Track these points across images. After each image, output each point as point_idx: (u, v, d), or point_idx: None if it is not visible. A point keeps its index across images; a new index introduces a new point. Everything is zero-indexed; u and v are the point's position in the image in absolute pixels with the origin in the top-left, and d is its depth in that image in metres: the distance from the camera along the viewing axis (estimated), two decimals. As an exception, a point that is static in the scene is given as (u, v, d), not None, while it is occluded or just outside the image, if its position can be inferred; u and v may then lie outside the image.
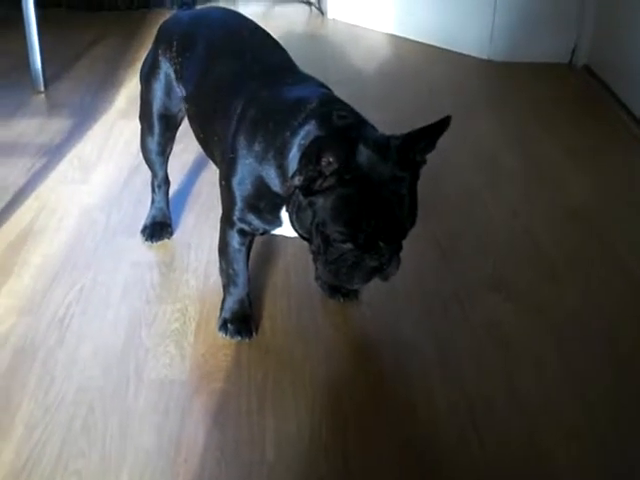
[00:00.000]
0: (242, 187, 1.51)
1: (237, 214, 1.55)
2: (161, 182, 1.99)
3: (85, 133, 2.58)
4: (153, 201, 2.02)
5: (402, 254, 1.44)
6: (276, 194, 1.48)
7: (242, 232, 1.58)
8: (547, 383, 1.59)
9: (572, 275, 1.93)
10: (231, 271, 1.64)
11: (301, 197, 1.40)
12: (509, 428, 1.48)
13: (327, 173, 1.35)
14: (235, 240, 1.60)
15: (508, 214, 2.20)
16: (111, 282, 1.85)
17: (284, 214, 1.50)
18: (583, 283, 1.90)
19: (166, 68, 1.79)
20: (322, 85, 1.59)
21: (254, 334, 1.67)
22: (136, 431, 1.45)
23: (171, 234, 2.02)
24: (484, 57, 3.37)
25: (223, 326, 1.66)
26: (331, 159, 1.33)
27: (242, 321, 1.66)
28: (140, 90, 1.88)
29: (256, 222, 1.55)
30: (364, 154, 1.35)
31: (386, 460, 1.40)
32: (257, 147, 1.47)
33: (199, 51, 1.71)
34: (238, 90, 1.57)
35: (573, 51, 3.29)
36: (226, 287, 1.67)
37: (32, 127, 2.63)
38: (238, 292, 1.66)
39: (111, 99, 2.84)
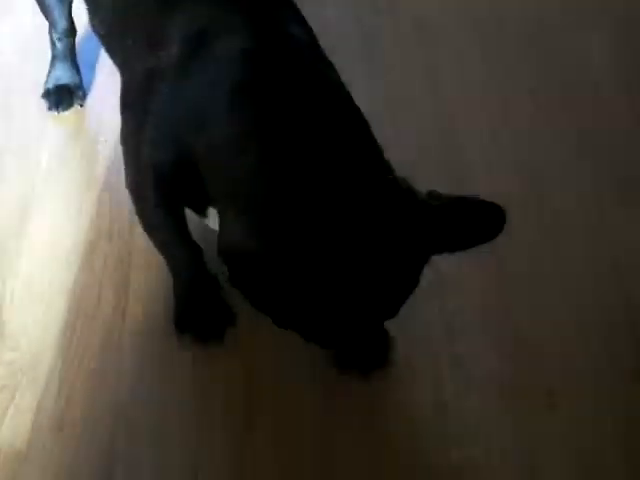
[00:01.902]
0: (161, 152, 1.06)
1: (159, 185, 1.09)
2: (63, 34, 1.53)
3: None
4: (54, 58, 1.56)
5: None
6: None
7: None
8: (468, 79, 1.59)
9: None
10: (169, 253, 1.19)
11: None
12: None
13: None
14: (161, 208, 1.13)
15: None
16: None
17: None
18: None
19: None
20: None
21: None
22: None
23: (83, 99, 1.58)
24: None
25: (182, 329, 1.18)
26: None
27: (208, 317, 1.20)
28: None
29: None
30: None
31: None
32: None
33: None
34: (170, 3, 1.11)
35: None
36: (172, 273, 1.21)
37: None
38: (190, 276, 1.20)
39: None
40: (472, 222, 0.92)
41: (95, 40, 1.46)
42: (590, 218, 1.35)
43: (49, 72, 1.57)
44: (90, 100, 1.56)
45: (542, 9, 1.75)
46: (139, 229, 1.21)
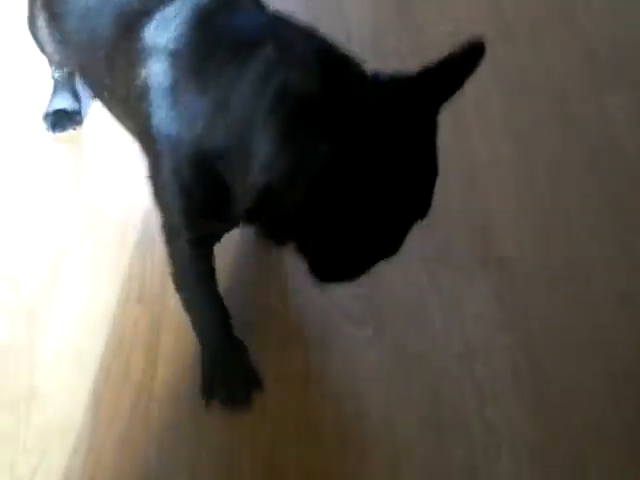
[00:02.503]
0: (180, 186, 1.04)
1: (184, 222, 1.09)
2: (58, 65, 1.55)
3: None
4: (55, 88, 1.61)
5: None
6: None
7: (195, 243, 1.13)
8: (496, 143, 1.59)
9: (527, 36, 1.88)
10: (199, 308, 1.19)
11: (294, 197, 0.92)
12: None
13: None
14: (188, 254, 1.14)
15: None
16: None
17: None
18: (538, 45, 1.85)
19: None
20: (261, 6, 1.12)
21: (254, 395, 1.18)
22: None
23: (79, 123, 1.62)
24: None
25: (209, 394, 1.18)
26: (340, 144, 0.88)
27: (235, 382, 1.18)
28: None
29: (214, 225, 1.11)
30: (377, 126, 0.91)
31: None
32: (199, 128, 0.99)
33: None
34: (128, 26, 1.09)
35: None
36: (200, 337, 1.20)
37: None
38: (219, 339, 1.20)
39: None
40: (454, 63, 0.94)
41: None
42: (622, 284, 1.34)
43: (50, 99, 1.62)
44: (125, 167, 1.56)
45: (565, 75, 1.77)
46: (171, 292, 1.23)
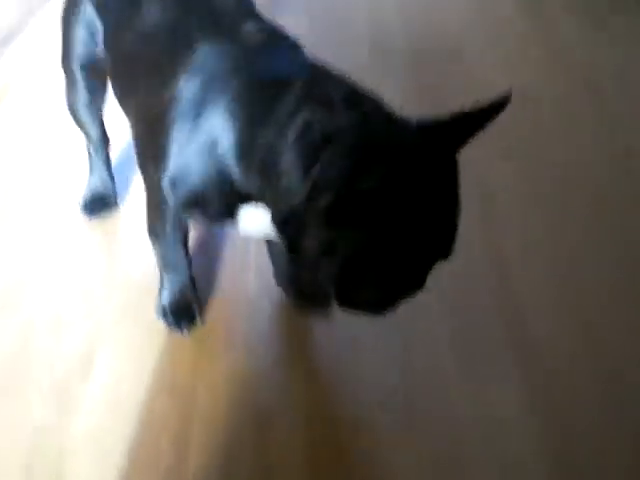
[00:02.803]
0: (178, 191, 1.19)
1: (172, 210, 1.25)
2: (97, 144, 1.62)
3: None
4: (90, 169, 1.67)
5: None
6: (235, 194, 1.15)
7: (178, 221, 1.29)
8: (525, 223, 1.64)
9: (560, 129, 1.94)
10: (166, 255, 1.36)
11: (319, 220, 1.02)
12: (480, 270, 1.52)
13: (364, 192, 0.98)
14: (168, 224, 1.29)
15: (505, 71, 2.20)
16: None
17: (245, 212, 1.18)
18: (572, 139, 1.91)
19: (88, 8, 1.44)
20: (296, 46, 1.22)
21: (198, 319, 1.41)
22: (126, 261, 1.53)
23: (115, 206, 1.69)
24: None
25: (163, 314, 1.41)
26: (370, 174, 0.97)
27: (183, 310, 1.40)
28: (61, 32, 1.54)
29: (200, 218, 1.25)
30: (406, 164, 1.00)
31: None
32: (219, 150, 1.12)
33: None
34: (175, 49, 1.19)
35: None
36: (162, 271, 1.39)
37: None
38: (178, 279, 1.39)
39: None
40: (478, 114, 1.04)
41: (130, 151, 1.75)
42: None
43: (87, 182, 1.68)
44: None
45: (601, 186, 1.80)
46: (202, 383, 1.27)
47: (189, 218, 1.28)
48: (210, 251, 1.61)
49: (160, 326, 1.42)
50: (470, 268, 1.54)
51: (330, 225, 1.02)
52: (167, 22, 1.26)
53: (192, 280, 1.41)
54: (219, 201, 1.17)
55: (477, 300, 1.48)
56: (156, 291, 1.43)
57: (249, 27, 1.21)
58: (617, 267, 1.57)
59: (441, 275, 1.16)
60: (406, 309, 1.16)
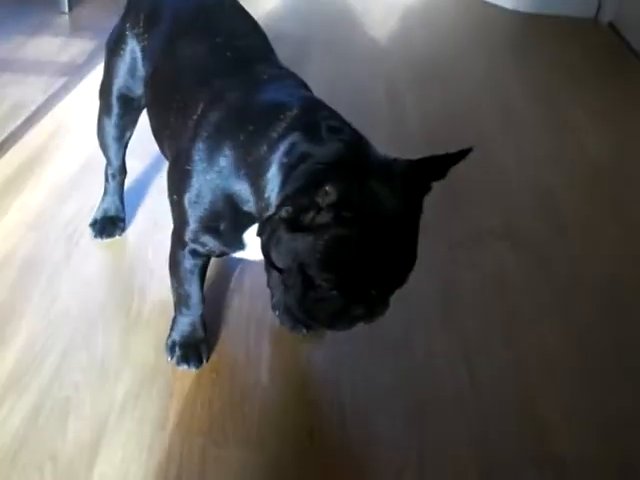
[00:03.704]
0: (198, 206, 1.28)
1: (190, 235, 1.33)
2: (116, 171, 1.78)
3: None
4: (105, 192, 1.82)
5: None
6: (242, 214, 1.26)
7: (195, 253, 1.37)
8: (546, 332, 1.62)
9: (580, 230, 1.94)
10: (182, 292, 1.44)
11: (283, 229, 1.14)
12: (504, 375, 1.51)
13: (322, 205, 1.10)
14: (187, 261, 1.39)
15: (521, 164, 2.24)
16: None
17: (248, 236, 1.28)
18: (590, 239, 1.91)
19: (133, 45, 1.57)
20: (302, 84, 1.37)
21: (204, 361, 1.48)
22: (135, 349, 1.50)
23: (123, 230, 1.82)
24: (510, 7, 3.51)
25: (171, 349, 1.48)
26: (329, 189, 1.08)
27: (191, 347, 1.48)
28: (104, 62, 1.66)
29: (213, 244, 1.33)
30: (367, 186, 1.11)
31: (383, 391, 1.44)
32: (223, 162, 1.24)
33: (165, 27, 1.49)
34: (202, 83, 1.35)
35: (598, 7, 3.43)
36: (177, 307, 1.48)
37: (54, 47, 2.71)
38: (190, 314, 1.47)
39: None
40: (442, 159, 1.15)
41: (140, 183, 1.97)
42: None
43: (100, 203, 1.82)
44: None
45: (617, 265, 1.81)
46: (211, 474, 1.23)
47: (204, 248, 1.34)
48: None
49: (162, 424, 1.36)
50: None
51: (291, 232, 1.14)
52: (194, 63, 1.40)
53: (203, 318, 1.49)
54: (229, 222, 1.28)
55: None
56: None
57: (261, 67, 1.36)
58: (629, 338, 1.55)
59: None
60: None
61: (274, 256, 1.19)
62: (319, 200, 1.09)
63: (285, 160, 1.16)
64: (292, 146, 1.17)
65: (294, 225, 1.13)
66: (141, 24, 1.55)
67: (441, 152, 1.13)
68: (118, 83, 1.61)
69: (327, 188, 1.08)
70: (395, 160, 1.15)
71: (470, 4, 3.54)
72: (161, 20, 1.50)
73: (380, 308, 1.21)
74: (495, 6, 3.52)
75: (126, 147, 1.74)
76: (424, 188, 1.17)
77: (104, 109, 1.68)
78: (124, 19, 1.61)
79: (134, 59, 1.58)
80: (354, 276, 1.13)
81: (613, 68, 2.98)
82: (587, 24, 3.39)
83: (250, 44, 1.43)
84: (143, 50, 1.55)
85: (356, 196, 1.09)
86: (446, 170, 1.14)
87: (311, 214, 1.11)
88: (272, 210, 1.16)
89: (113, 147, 1.73)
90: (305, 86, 1.38)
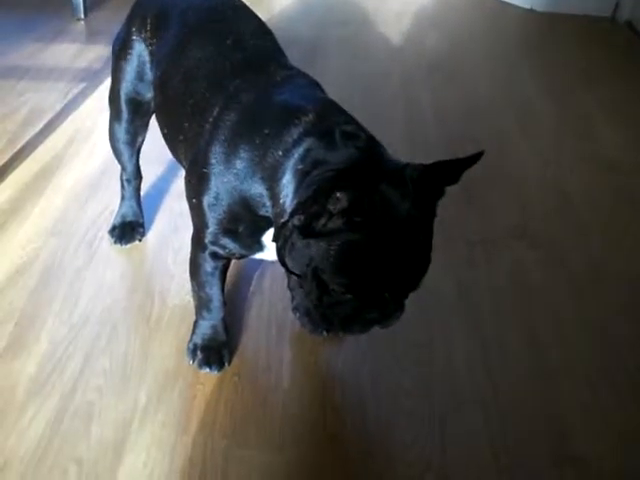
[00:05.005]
0: (216, 208, 1.29)
1: (209, 237, 1.33)
2: (131, 176, 1.79)
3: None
4: (123, 197, 1.83)
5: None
6: (259, 217, 1.27)
7: (215, 256, 1.38)
8: (565, 332, 1.62)
9: (599, 228, 1.93)
10: (203, 295, 1.45)
11: (296, 236, 1.16)
12: (524, 375, 1.51)
13: (334, 212, 1.11)
14: (207, 264, 1.39)
15: (539, 162, 2.23)
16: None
17: (267, 238, 1.29)
18: (609, 238, 1.90)
19: (140, 49, 1.57)
20: (315, 84, 1.37)
21: (226, 364, 1.49)
22: (157, 353, 1.52)
23: (142, 235, 1.84)
24: (527, 6, 3.50)
25: (193, 352, 1.50)
26: (340, 196, 1.10)
27: (213, 350, 1.50)
28: (111, 68, 1.66)
29: (232, 246, 1.33)
30: (378, 191, 1.11)
31: (403, 392, 1.45)
32: (239, 164, 1.25)
33: (173, 30, 1.49)
34: (215, 85, 1.34)
35: (616, 6, 3.40)
36: (198, 310, 1.49)
37: (70, 53, 2.74)
38: (211, 317, 1.49)
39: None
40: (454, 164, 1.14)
41: (158, 188, 1.99)
42: None
43: (117, 211, 1.83)
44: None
45: (637, 263, 1.80)
46: (233, 476, 1.24)
47: (224, 250, 1.35)
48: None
49: (185, 427, 1.38)
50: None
51: (304, 239, 1.15)
52: (206, 66, 1.39)
53: (224, 321, 1.50)
54: (247, 225, 1.29)
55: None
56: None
57: (274, 68, 1.36)
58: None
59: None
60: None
61: (289, 262, 1.20)
62: (330, 207, 1.11)
63: (300, 167, 1.17)
64: (306, 152, 1.18)
65: (307, 232, 1.14)
66: (148, 27, 1.55)
67: (457, 151, 1.15)
68: (127, 88, 1.61)
69: (338, 194, 1.09)
70: (408, 165, 1.15)
71: (485, 2, 3.54)
72: (169, 23, 1.50)
73: (394, 312, 1.22)
74: (511, 5, 3.52)
75: (139, 152, 1.75)
76: (437, 192, 1.17)
77: (114, 115, 1.68)
78: (129, 23, 1.60)
79: (142, 63, 1.57)
80: (367, 280, 1.14)
81: (630, 67, 2.96)
82: (604, 23, 3.38)
83: (260, 45, 1.43)
84: (151, 54, 1.55)
85: (367, 201, 1.10)
86: (459, 174, 1.14)
87: (323, 220, 1.12)
88: (286, 216, 1.17)
89: (126, 152, 1.73)
90: (318, 85, 1.38)
